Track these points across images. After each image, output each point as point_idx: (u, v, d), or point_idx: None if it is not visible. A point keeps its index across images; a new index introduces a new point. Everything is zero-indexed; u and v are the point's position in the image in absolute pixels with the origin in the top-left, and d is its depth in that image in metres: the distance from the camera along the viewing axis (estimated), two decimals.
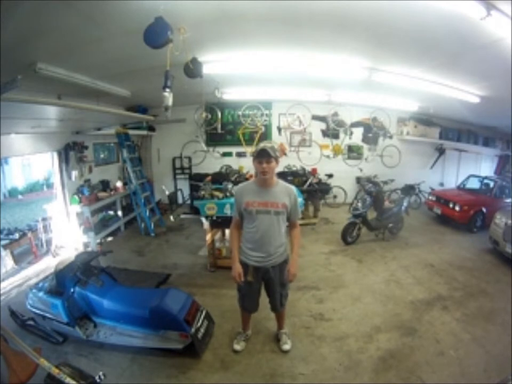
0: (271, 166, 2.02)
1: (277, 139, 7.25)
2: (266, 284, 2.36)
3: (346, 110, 7.05)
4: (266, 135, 7.27)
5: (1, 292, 3.51)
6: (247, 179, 6.50)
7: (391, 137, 7.46)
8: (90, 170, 5.60)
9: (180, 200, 6.91)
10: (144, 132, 6.67)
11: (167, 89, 2.71)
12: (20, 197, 10.11)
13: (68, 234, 4.85)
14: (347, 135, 7.38)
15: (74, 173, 5.07)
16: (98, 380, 1.62)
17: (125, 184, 5.99)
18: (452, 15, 2.37)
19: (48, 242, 4.80)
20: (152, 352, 2.47)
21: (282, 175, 6.65)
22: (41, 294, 2.64)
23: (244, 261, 2.24)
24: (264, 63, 3.74)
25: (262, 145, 2.02)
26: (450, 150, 7.77)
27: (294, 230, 2.29)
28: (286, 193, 2.14)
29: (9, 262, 4.18)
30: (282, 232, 2.18)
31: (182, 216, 4.80)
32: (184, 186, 7.18)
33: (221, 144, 7.31)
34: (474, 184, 6.71)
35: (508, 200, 5.67)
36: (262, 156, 1.99)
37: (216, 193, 3.96)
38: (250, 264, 2.20)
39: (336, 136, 7.37)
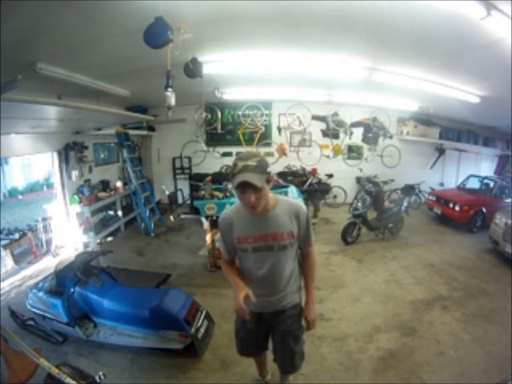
0: (261, 195, 1.32)
1: (277, 139, 7.27)
2: (273, 334, 1.76)
3: (346, 110, 7.04)
4: (266, 135, 7.27)
5: (1, 292, 3.51)
6: None
7: (391, 137, 7.45)
8: (90, 170, 5.60)
9: (180, 200, 6.90)
10: (144, 132, 6.67)
11: (169, 89, 2.71)
12: (20, 197, 10.11)
13: (67, 234, 4.85)
14: (347, 135, 7.37)
15: (74, 173, 5.07)
16: (98, 380, 1.62)
17: (125, 184, 5.99)
18: (452, 15, 2.37)
19: (48, 242, 4.80)
20: (152, 352, 2.47)
21: (282, 175, 6.67)
22: (41, 294, 2.64)
23: None
24: (264, 63, 3.73)
25: (240, 165, 1.28)
26: (450, 150, 7.76)
27: (307, 259, 1.66)
28: (291, 215, 1.48)
29: (9, 262, 4.18)
30: (292, 267, 1.59)
31: (182, 216, 4.80)
32: (184, 186, 7.17)
33: (221, 144, 7.30)
34: (474, 184, 6.71)
35: (508, 200, 5.67)
36: (245, 189, 1.30)
37: (216, 193, 3.97)
38: (250, 309, 1.52)
39: (336, 136, 7.37)
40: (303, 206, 1.54)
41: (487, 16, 2.24)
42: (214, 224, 3.90)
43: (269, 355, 1.92)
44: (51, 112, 3.42)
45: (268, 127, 7.24)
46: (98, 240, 4.87)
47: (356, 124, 7.31)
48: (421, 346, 2.60)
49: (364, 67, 3.96)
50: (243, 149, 7.24)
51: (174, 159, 7.50)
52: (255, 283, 1.54)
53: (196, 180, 6.18)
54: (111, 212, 5.79)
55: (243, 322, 1.65)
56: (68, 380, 1.41)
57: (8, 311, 2.88)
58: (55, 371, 1.41)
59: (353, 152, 7.50)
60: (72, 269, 2.59)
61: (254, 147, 7.21)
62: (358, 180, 7.14)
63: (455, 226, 5.76)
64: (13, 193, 10.41)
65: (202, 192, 3.99)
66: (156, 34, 2.33)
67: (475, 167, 8.09)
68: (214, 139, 7.29)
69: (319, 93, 6.01)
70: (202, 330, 2.51)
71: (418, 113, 6.96)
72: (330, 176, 7.09)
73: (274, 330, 1.72)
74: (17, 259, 4.34)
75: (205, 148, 7.27)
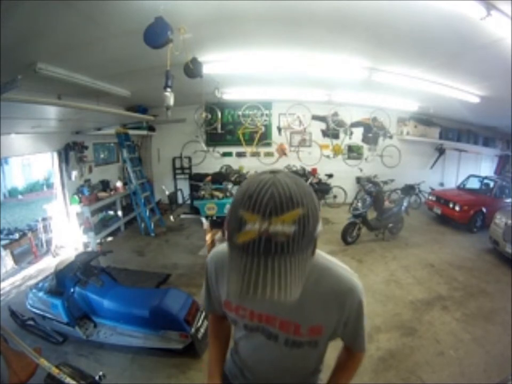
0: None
1: (277, 139, 7.27)
2: None
3: (346, 110, 7.04)
4: (266, 135, 7.27)
5: (1, 292, 3.51)
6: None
7: (391, 137, 7.45)
8: (90, 170, 5.60)
9: (180, 200, 6.90)
10: (144, 132, 6.66)
11: (168, 89, 2.71)
12: (20, 197, 10.10)
13: (67, 234, 4.85)
14: (347, 135, 7.37)
15: (74, 173, 5.07)
16: (98, 380, 1.62)
17: (125, 184, 5.98)
18: (452, 15, 2.36)
19: (48, 242, 4.79)
20: (152, 352, 2.47)
21: None
22: (41, 294, 2.64)
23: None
24: (264, 63, 3.73)
25: (252, 230, 0.56)
26: (450, 150, 7.76)
27: (346, 363, 0.99)
28: (332, 300, 0.81)
29: (9, 262, 4.18)
30: (312, 369, 0.96)
31: (182, 216, 4.80)
32: (184, 186, 7.18)
33: (221, 144, 7.30)
34: (474, 184, 6.72)
35: (508, 200, 5.67)
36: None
37: (216, 193, 3.97)
38: None
39: (336, 136, 7.37)
40: (358, 288, 0.81)
41: (487, 16, 2.24)
42: (214, 224, 3.90)
43: None
44: (51, 112, 3.42)
45: (268, 127, 7.24)
46: (98, 240, 4.86)
47: (356, 124, 7.31)
48: (421, 346, 2.60)
49: (364, 67, 3.96)
50: (243, 149, 7.25)
51: (174, 159, 7.50)
52: (249, 372, 0.97)
53: (196, 179, 6.19)
54: (111, 212, 5.79)
55: None
56: (68, 380, 1.41)
57: (8, 311, 2.88)
58: (55, 371, 1.41)
59: (353, 152, 7.50)
60: (72, 269, 2.59)
61: (254, 147, 7.21)
62: (358, 180, 7.14)
63: (455, 226, 5.76)
64: (13, 193, 10.40)
65: (202, 192, 3.99)
66: (156, 34, 2.33)
67: (475, 167, 8.09)
68: (214, 139, 7.29)
69: (319, 93, 6.01)
70: (202, 330, 2.50)
71: (418, 113, 6.96)
72: (330, 176, 7.09)
73: None
74: (17, 259, 4.34)
75: (205, 148, 7.27)
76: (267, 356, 0.89)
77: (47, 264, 4.31)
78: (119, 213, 5.76)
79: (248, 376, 0.97)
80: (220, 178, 5.31)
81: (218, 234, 4.47)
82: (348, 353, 0.98)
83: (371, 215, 5.13)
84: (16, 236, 4.59)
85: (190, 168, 7.43)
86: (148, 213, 5.58)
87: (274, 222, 0.55)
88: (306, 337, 0.83)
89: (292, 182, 0.60)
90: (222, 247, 0.90)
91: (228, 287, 0.85)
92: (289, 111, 7.07)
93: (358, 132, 7.40)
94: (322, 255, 0.84)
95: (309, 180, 6.34)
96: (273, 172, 0.62)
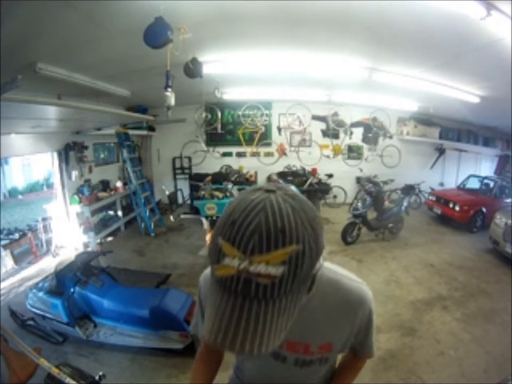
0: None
1: (277, 139, 7.27)
2: None
3: (346, 110, 7.04)
4: (266, 135, 7.27)
5: (1, 292, 3.51)
6: (247, 179, 6.56)
7: (391, 137, 7.45)
8: (90, 170, 5.60)
9: (180, 200, 6.90)
10: (144, 132, 6.67)
11: (169, 89, 2.71)
12: (20, 197, 10.10)
13: (67, 234, 4.85)
14: (347, 135, 7.37)
15: (74, 173, 5.07)
16: (98, 380, 1.62)
17: (125, 184, 5.98)
18: (452, 15, 2.36)
19: (48, 242, 4.80)
20: (152, 352, 2.47)
21: (282, 175, 6.68)
22: (41, 294, 2.64)
23: None
24: (264, 63, 3.73)
25: (231, 265, 0.46)
26: (450, 150, 7.76)
27: (353, 362, 0.96)
28: (343, 314, 0.75)
29: (9, 262, 4.18)
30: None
31: (182, 216, 4.80)
32: (184, 186, 7.17)
33: (221, 144, 7.30)
34: (474, 184, 6.71)
35: (508, 200, 5.67)
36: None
37: (216, 193, 3.97)
38: None
39: (336, 136, 7.37)
40: (368, 298, 0.78)
41: (487, 16, 2.23)
42: (214, 224, 3.90)
43: None
44: (51, 112, 3.42)
45: (268, 127, 7.24)
46: (98, 240, 4.86)
47: (355, 124, 7.31)
48: (421, 346, 2.61)
49: (364, 67, 3.96)
50: (243, 149, 7.24)
51: (174, 159, 7.50)
52: None
53: (196, 179, 6.18)
54: (111, 212, 5.79)
55: None
56: (68, 380, 1.41)
57: (8, 311, 2.88)
58: (55, 371, 1.41)
59: (353, 152, 7.50)
60: (72, 269, 2.59)
61: (254, 147, 7.21)
62: (358, 179, 7.14)
63: (455, 226, 5.76)
64: (13, 193, 10.40)
65: (202, 192, 4.00)
66: (156, 34, 2.33)
67: (475, 167, 8.09)
68: (214, 139, 7.29)
69: (319, 93, 6.01)
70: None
71: (418, 113, 6.96)
72: (330, 176, 7.09)
73: None
74: (17, 259, 4.34)
75: (205, 148, 7.27)
76: (275, 374, 0.82)
77: (47, 264, 4.31)
78: (119, 213, 5.77)
79: None
80: (220, 178, 5.32)
81: None
82: (353, 355, 0.94)
83: (371, 215, 5.13)
84: (16, 236, 4.59)
85: (190, 168, 7.44)
86: (147, 213, 5.58)
87: (256, 261, 0.44)
88: (316, 355, 0.77)
89: (288, 206, 0.47)
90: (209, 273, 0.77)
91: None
92: (289, 111, 7.07)
93: (358, 132, 7.40)
94: (327, 266, 0.76)
95: (309, 180, 6.33)
96: (268, 191, 0.50)
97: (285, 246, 0.45)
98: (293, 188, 0.56)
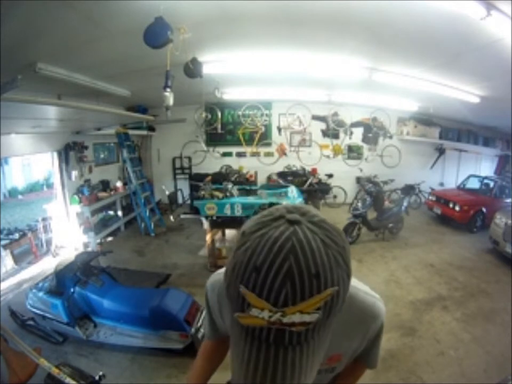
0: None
1: (277, 139, 7.27)
2: None
3: (346, 110, 7.04)
4: (266, 135, 7.27)
5: (1, 292, 3.51)
6: (247, 179, 6.56)
7: (391, 137, 7.45)
8: (90, 170, 5.60)
9: (180, 200, 6.91)
10: (144, 132, 6.67)
11: (168, 89, 2.71)
12: (20, 197, 10.10)
13: (67, 234, 4.85)
14: (347, 135, 7.37)
15: (74, 173, 5.07)
16: (98, 380, 1.62)
17: (125, 184, 5.98)
18: (452, 15, 2.36)
19: (48, 242, 4.80)
20: (152, 352, 2.47)
21: (282, 175, 6.68)
22: (41, 294, 2.64)
23: None
24: (264, 63, 3.73)
25: (259, 279, 0.40)
26: (450, 150, 7.76)
27: (354, 370, 0.97)
28: (355, 329, 0.74)
29: (9, 262, 4.18)
30: None
31: (182, 216, 4.80)
32: (184, 186, 7.17)
33: (221, 144, 7.30)
34: (474, 184, 6.71)
35: (508, 200, 5.67)
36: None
37: (216, 193, 3.96)
38: None
39: (336, 136, 7.37)
40: (382, 313, 0.76)
41: (487, 16, 2.23)
42: (214, 224, 3.90)
43: None
44: (51, 112, 3.42)
45: (268, 127, 7.24)
46: (98, 240, 4.87)
47: (355, 124, 7.31)
48: (421, 346, 2.61)
49: (364, 67, 3.96)
50: (243, 149, 7.24)
51: (174, 159, 7.50)
52: None
53: (196, 180, 6.18)
54: (111, 212, 5.79)
55: None
56: (68, 380, 1.41)
57: (8, 311, 2.88)
58: (55, 371, 1.41)
59: (353, 152, 7.50)
60: (72, 269, 2.59)
61: (254, 147, 7.21)
62: (358, 180, 7.14)
63: (455, 226, 5.76)
64: (13, 193, 10.40)
65: (202, 192, 3.99)
66: (156, 34, 2.33)
67: (475, 167, 8.09)
68: (214, 139, 7.29)
69: (319, 93, 6.01)
70: (202, 330, 2.50)
71: (418, 113, 6.96)
72: (330, 176, 7.09)
73: None
74: (17, 259, 4.34)
75: (205, 148, 7.27)
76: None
77: (47, 264, 4.31)
78: (119, 213, 5.77)
79: None
80: (220, 178, 5.31)
81: (218, 234, 4.48)
82: (356, 363, 0.92)
83: (371, 215, 5.13)
84: (16, 236, 4.59)
85: (190, 168, 7.43)
86: (147, 213, 5.58)
87: (289, 313, 0.40)
88: (324, 366, 0.76)
89: (319, 241, 0.42)
90: (220, 273, 0.68)
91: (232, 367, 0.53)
92: (289, 111, 7.07)
93: (358, 132, 7.40)
94: (356, 287, 0.73)
95: (309, 180, 6.33)
96: (292, 222, 0.43)
97: (320, 292, 0.40)
98: (314, 210, 0.48)
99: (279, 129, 7.28)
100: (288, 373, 0.43)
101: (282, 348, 0.43)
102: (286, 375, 0.42)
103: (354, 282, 0.74)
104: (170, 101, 2.73)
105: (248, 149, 7.23)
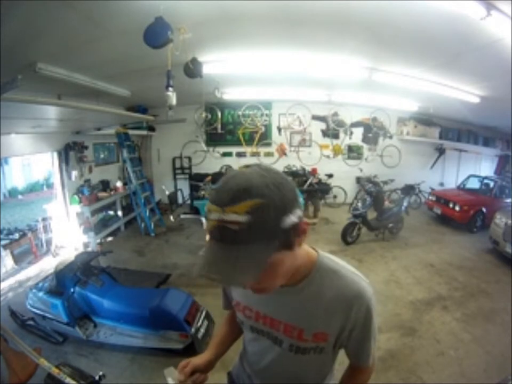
0: (270, 275, 0.64)
1: (277, 139, 7.27)
2: None
3: (346, 110, 7.04)
4: (266, 135, 7.27)
5: (1, 292, 3.51)
6: None
7: (391, 137, 7.45)
8: (90, 170, 5.60)
9: (180, 200, 6.90)
10: (144, 132, 6.67)
11: (170, 89, 2.71)
12: (20, 197, 10.10)
13: (67, 234, 4.85)
14: (347, 135, 7.37)
15: (74, 173, 5.07)
16: (98, 380, 1.62)
17: (125, 184, 5.98)
18: (452, 15, 2.36)
19: (48, 242, 4.80)
20: (152, 352, 2.47)
21: None
22: (41, 294, 2.64)
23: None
24: (264, 63, 3.73)
25: (212, 219, 0.59)
26: (450, 150, 7.76)
27: (351, 377, 0.97)
28: (338, 306, 0.76)
29: (9, 262, 4.18)
30: (319, 379, 0.92)
31: (182, 216, 4.81)
32: (184, 186, 7.17)
33: (221, 144, 7.30)
34: (474, 184, 6.71)
35: (508, 200, 5.67)
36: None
37: None
38: None
39: (336, 136, 7.37)
40: (367, 294, 0.77)
41: (487, 16, 2.23)
42: None
43: None
44: (51, 112, 3.42)
45: (267, 127, 7.24)
46: (98, 240, 4.87)
47: (355, 124, 7.31)
48: (421, 346, 2.61)
49: (364, 67, 3.96)
50: (243, 149, 7.25)
51: (174, 159, 7.49)
52: (256, 377, 0.96)
53: (196, 179, 6.18)
54: (111, 212, 5.79)
55: None
56: (68, 380, 1.41)
57: (8, 311, 2.88)
58: (55, 371, 1.41)
59: (353, 152, 7.50)
60: (72, 269, 2.59)
61: (254, 147, 7.21)
62: (358, 180, 7.13)
63: (455, 226, 5.76)
64: (13, 193, 10.40)
65: (202, 192, 3.99)
66: (156, 34, 2.33)
67: (475, 167, 8.09)
68: (214, 139, 7.29)
69: (319, 93, 6.01)
70: (202, 330, 2.51)
71: (418, 113, 6.96)
72: (330, 176, 7.08)
73: None
74: (17, 259, 4.34)
75: (205, 148, 7.27)
76: (273, 361, 0.87)
77: (47, 264, 4.31)
78: (119, 213, 5.76)
79: (255, 382, 0.95)
80: (219, 178, 5.31)
81: None
82: (352, 370, 0.94)
83: (371, 215, 5.13)
84: (16, 236, 4.59)
85: (190, 168, 7.43)
86: (147, 213, 5.58)
87: (227, 211, 0.57)
88: (310, 343, 0.79)
89: (257, 174, 0.61)
90: None
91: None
92: (289, 111, 7.07)
93: (358, 132, 7.40)
94: (331, 257, 0.81)
95: (309, 180, 6.33)
96: (247, 166, 0.66)
97: (248, 199, 0.56)
98: (275, 169, 0.67)
99: (279, 129, 7.28)
100: (225, 263, 0.58)
101: (223, 244, 0.59)
102: (224, 264, 0.58)
103: (341, 262, 0.82)
104: (173, 101, 2.74)
105: (248, 149, 7.23)
